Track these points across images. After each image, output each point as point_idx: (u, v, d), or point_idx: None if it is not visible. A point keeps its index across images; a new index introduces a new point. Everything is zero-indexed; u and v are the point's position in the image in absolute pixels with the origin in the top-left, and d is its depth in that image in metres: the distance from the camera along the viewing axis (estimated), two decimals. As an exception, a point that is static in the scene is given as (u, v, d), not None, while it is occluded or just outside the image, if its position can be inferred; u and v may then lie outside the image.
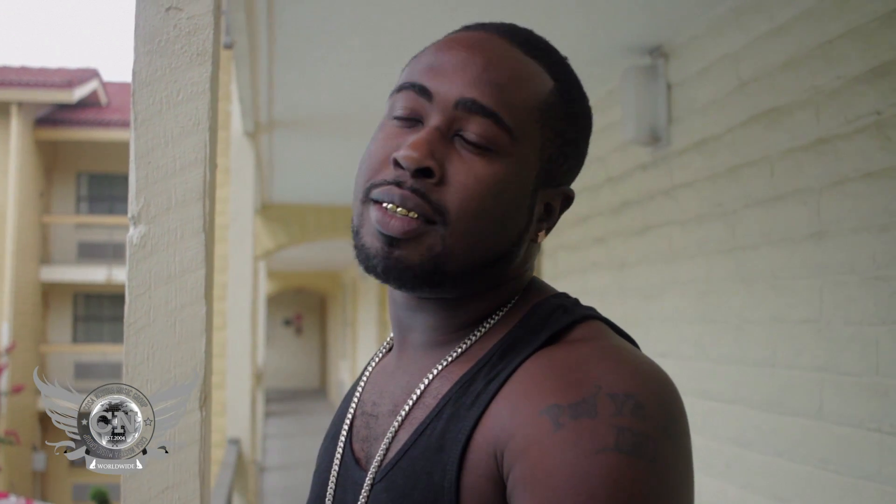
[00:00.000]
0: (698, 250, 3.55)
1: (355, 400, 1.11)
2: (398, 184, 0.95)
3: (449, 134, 0.96)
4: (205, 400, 1.55)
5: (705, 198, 3.50)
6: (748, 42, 3.20)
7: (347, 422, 1.09)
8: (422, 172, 0.94)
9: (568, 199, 1.06)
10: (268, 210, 10.10)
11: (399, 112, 0.99)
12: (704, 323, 3.50)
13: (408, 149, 0.94)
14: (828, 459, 2.70)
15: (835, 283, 2.70)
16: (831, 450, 2.69)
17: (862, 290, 2.58)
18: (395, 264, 0.95)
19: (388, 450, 0.97)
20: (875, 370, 2.52)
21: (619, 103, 4.11)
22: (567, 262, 5.15)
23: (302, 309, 30.51)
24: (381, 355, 1.15)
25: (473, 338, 1.00)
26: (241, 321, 6.57)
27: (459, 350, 1.00)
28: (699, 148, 3.56)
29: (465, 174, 0.95)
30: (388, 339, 1.16)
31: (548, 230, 1.05)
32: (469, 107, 0.95)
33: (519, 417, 0.87)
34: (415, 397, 0.98)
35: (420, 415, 0.97)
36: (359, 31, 3.81)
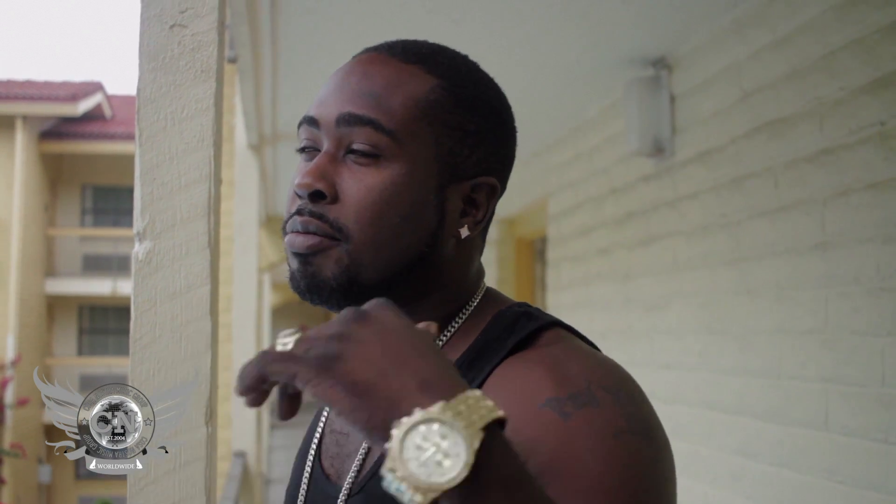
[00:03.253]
0: (702, 261, 3.55)
1: (323, 418, 1.13)
2: (299, 212, 1.00)
3: (340, 154, 1.00)
4: (211, 416, 1.55)
5: (709, 209, 3.50)
6: (751, 53, 3.20)
7: (316, 439, 1.11)
8: (315, 196, 0.99)
9: (493, 189, 1.05)
10: (272, 222, 10.11)
11: (301, 146, 1.05)
12: (709, 334, 3.50)
13: (300, 177, 1.00)
14: (833, 470, 2.69)
15: (840, 293, 2.70)
16: (837, 460, 2.68)
17: (867, 300, 2.58)
18: (312, 281, 1.00)
19: (362, 464, 0.99)
20: (881, 381, 2.52)
21: (623, 115, 4.11)
22: (570, 273, 5.15)
23: (306, 321, 30.48)
24: None
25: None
26: (245, 333, 6.58)
27: None
28: (703, 159, 3.56)
29: (356, 187, 0.98)
30: None
31: (478, 223, 1.04)
32: (348, 120, 0.99)
33: (516, 415, 0.86)
34: None
35: None
36: (361, 44, 3.79)
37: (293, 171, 1.07)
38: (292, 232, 1.01)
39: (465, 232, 1.03)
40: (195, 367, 1.55)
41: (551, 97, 4.53)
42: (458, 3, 3.32)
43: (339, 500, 0.99)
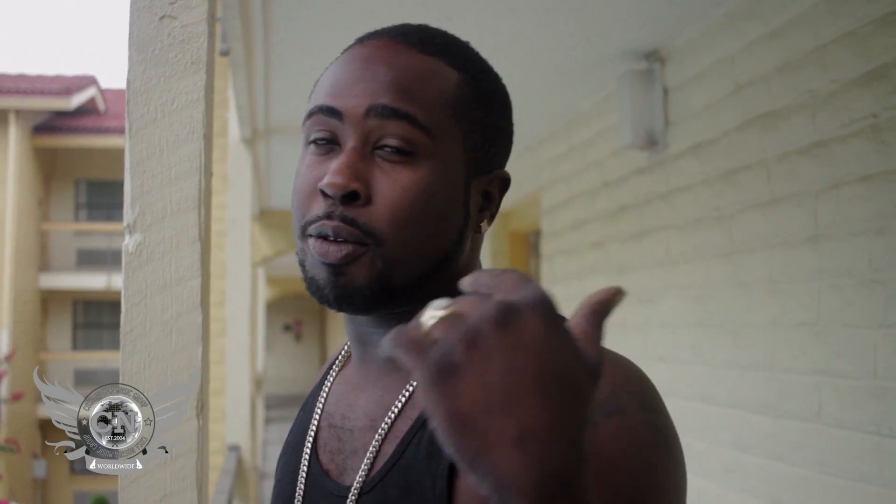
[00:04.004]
0: (696, 254, 3.55)
1: (318, 411, 1.10)
2: (328, 215, 0.94)
3: (367, 149, 0.95)
4: (202, 408, 1.55)
5: (702, 202, 3.50)
6: (743, 46, 3.20)
7: (311, 433, 1.08)
8: (349, 197, 0.94)
9: (505, 182, 1.04)
10: (266, 216, 10.09)
11: (314, 138, 0.99)
12: (702, 327, 3.50)
13: (331, 176, 0.94)
14: (826, 463, 2.70)
15: (832, 286, 2.70)
16: (830, 453, 2.69)
17: (859, 293, 2.58)
18: (343, 291, 0.95)
19: (373, 463, 0.97)
20: (873, 373, 2.52)
21: (616, 108, 4.11)
22: (564, 266, 5.15)
23: (301, 314, 30.48)
24: (339, 366, 1.14)
25: None
26: (240, 327, 6.57)
27: None
28: (696, 152, 3.56)
29: (390, 188, 0.94)
30: (345, 349, 1.15)
31: (491, 217, 1.04)
32: (381, 113, 0.94)
33: None
34: (396, 410, 0.98)
35: (404, 427, 0.96)
36: (354, 37, 3.80)
37: (298, 165, 1.02)
38: (320, 238, 0.95)
39: (485, 226, 1.02)
40: (186, 360, 1.55)
41: (544, 91, 4.53)
42: (450, -4, 3.32)
43: (349, 500, 0.97)
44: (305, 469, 1.06)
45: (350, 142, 0.96)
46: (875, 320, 2.52)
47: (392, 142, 0.94)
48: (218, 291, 6.95)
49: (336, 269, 0.95)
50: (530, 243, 8.04)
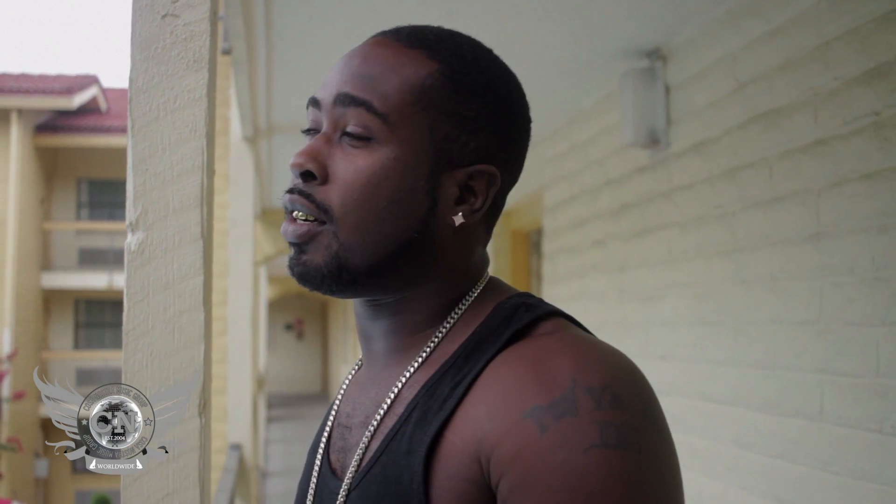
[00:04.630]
0: (697, 252, 3.55)
1: (333, 412, 1.12)
2: (290, 190, 1.01)
3: (336, 136, 1.01)
4: (204, 406, 1.55)
5: (704, 200, 3.50)
6: (745, 44, 3.20)
7: (326, 433, 1.10)
8: (306, 175, 1.00)
9: (493, 177, 1.03)
10: (268, 215, 10.10)
11: (306, 128, 1.06)
12: (704, 325, 3.50)
13: (293, 157, 1.00)
14: (828, 461, 2.70)
15: (834, 284, 2.70)
16: (832, 451, 2.68)
17: (861, 291, 2.58)
18: (304, 269, 1.01)
19: (361, 459, 0.98)
20: (875, 371, 2.52)
21: (618, 106, 4.11)
22: (566, 265, 5.15)
23: (303, 313, 30.51)
24: (356, 367, 1.16)
25: (436, 339, 1.01)
26: (241, 326, 6.57)
27: (424, 355, 1.01)
28: (698, 150, 3.56)
29: (345, 169, 0.98)
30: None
31: (475, 212, 1.02)
32: (343, 101, 1.00)
33: (501, 422, 0.87)
34: (385, 407, 0.99)
35: (390, 422, 0.98)
36: (356, 37, 3.80)
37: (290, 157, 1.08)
38: (287, 217, 1.02)
39: (458, 220, 1.01)
40: (188, 358, 1.55)
41: (546, 89, 4.53)
42: (452, -5, 3.32)
43: (339, 496, 0.98)
44: (318, 469, 1.08)
45: (323, 127, 1.03)
46: (877, 318, 2.51)
47: (351, 128, 0.99)
48: (220, 290, 6.96)
49: (298, 247, 1.01)
50: (532, 241, 8.05)
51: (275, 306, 26.25)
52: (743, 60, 3.23)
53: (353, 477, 0.98)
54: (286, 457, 14.34)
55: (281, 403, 24.79)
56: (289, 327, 30.44)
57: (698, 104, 3.57)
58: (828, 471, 2.70)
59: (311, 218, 0.99)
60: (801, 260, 2.86)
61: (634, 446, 0.84)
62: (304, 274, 1.01)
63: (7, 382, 13.33)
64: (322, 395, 28.60)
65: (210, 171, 1.61)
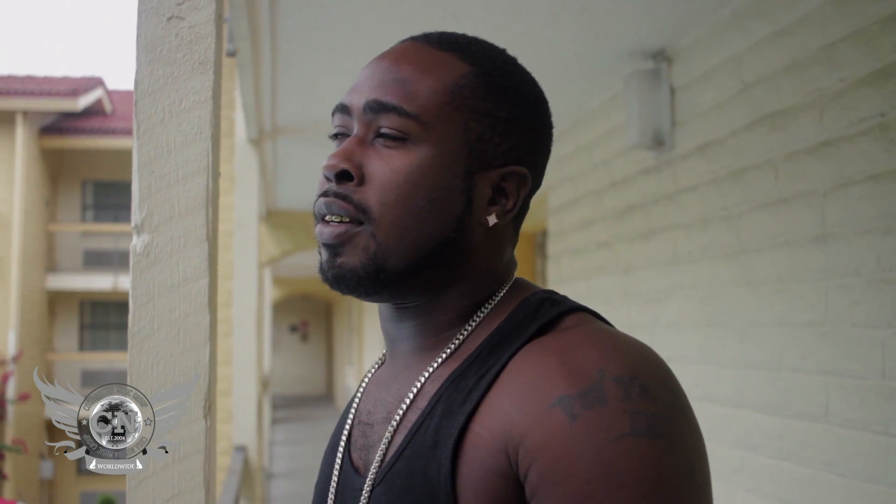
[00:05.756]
0: (703, 254, 3.55)
1: (353, 411, 1.12)
2: (325, 193, 1.01)
3: (369, 138, 1.01)
4: (209, 408, 1.55)
5: (709, 201, 3.49)
6: (751, 45, 3.20)
7: (345, 432, 1.10)
8: (341, 176, 0.99)
9: (524, 179, 1.04)
10: (272, 217, 10.10)
11: (333, 133, 1.06)
12: (709, 327, 3.50)
13: (327, 159, 1.00)
14: (834, 462, 2.69)
15: (840, 285, 2.69)
16: (837, 453, 2.68)
17: (867, 292, 2.58)
18: (339, 271, 1.00)
19: (385, 454, 0.98)
20: (881, 373, 2.51)
21: (623, 107, 4.11)
22: (571, 266, 5.15)
23: (308, 315, 30.52)
24: (376, 367, 1.16)
25: (461, 337, 1.01)
26: (246, 328, 6.57)
27: (448, 351, 1.01)
28: (703, 151, 3.56)
29: (382, 169, 0.98)
30: (384, 352, 1.17)
31: (507, 213, 1.03)
32: (374, 107, 1.00)
33: (529, 412, 0.87)
34: (408, 402, 0.99)
35: (413, 417, 0.98)
36: (361, 38, 3.81)
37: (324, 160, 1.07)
38: (320, 221, 1.01)
39: (492, 220, 1.02)
40: (194, 360, 1.55)
41: (551, 90, 4.49)
42: (457, -4, 3.32)
43: (363, 492, 0.98)
44: (338, 468, 1.08)
45: (354, 131, 1.02)
46: (883, 320, 2.51)
47: (385, 129, 0.99)
48: (225, 292, 6.96)
49: (333, 249, 1.00)
50: (537, 243, 8.05)
51: (279, 308, 26.27)
52: (748, 62, 3.23)
53: (376, 472, 0.97)
54: (291, 458, 14.34)
55: (286, 405, 24.79)
56: (293, 329, 30.46)
57: (704, 105, 3.56)
58: (833, 472, 2.69)
59: (348, 219, 0.99)
60: (806, 261, 2.85)
61: (665, 436, 0.85)
62: (340, 276, 1.00)
63: (12, 384, 13.35)
64: (327, 396, 28.60)
65: (215, 173, 1.61)
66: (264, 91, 4.91)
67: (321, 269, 1.02)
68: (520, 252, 8.08)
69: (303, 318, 30.47)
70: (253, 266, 6.62)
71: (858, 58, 2.62)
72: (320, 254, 1.03)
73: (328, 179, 1.00)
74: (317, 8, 3.50)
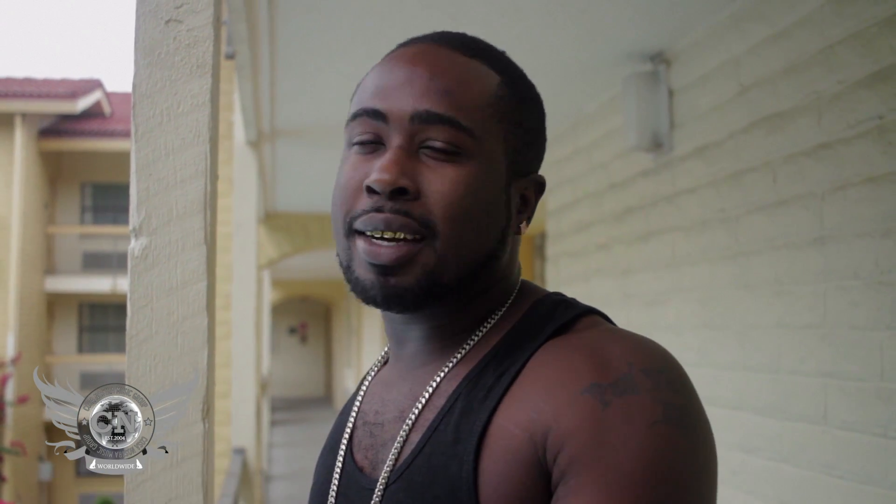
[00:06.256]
0: (701, 256, 3.55)
1: (354, 411, 1.11)
2: (378, 209, 0.96)
3: (413, 148, 0.97)
4: (207, 411, 1.55)
5: (708, 204, 3.50)
6: (749, 48, 3.20)
7: (347, 433, 1.09)
8: (397, 192, 0.95)
9: (540, 186, 1.06)
10: (271, 219, 10.10)
11: (359, 139, 1.00)
12: (708, 329, 3.50)
13: (378, 172, 0.95)
14: (833, 465, 2.69)
15: (838, 288, 2.69)
16: (836, 455, 2.68)
17: (865, 295, 2.58)
18: (393, 292, 0.96)
19: (400, 452, 0.98)
20: (880, 375, 2.51)
21: (621, 110, 4.11)
22: (570, 268, 5.15)
23: (307, 317, 30.51)
24: (377, 368, 1.16)
25: (475, 338, 1.02)
26: (245, 330, 6.57)
27: (463, 351, 1.01)
28: (701, 154, 3.56)
29: (439, 182, 0.96)
30: (384, 353, 1.17)
31: (528, 220, 1.05)
32: (425, 118, 0.96)
33: (558, 400, 0.88)
34: (423, 400, 0.99)
35: (430, 415, 0.98)
36: (359, 41, 3.81)
37: (341, 165, 1.02)
38: (365, 237, 0.96)
39: (524, 228, 1.04)
40: (192, 363, 1.55)
41: (550, 93, 4.51)
42: (455, -1, 3.32)
43: (376, 490, 0.97)
44: (340, 467, 1.07)
45: (395, 140, 0.97)
46: (881, 322, 2.51)
47: (437, 143, 0.96)
48: (223, 294, 6.96)
49: (387, 269, 0.96)
50: (535, 245, 8.05)
51: (278, 310, 26.26)
52: (746, 64, 3.23)
53: (391, 470, 0.97)
54: (290, 461, 14.33)
55: (284, 407, 24.78)
56: (292, 331, 30.45)
57: (702, 108, 3.56)
58: (832, 475, 2.69)
59: (409, 237, 0.95)
60: (805, 264, 2.85)
61: (693, 426, 0.88)
62: (392, 297, 0.97)
63: (11, 386, 13.33)
64: (326, 398, 28.59)
65: (213, 176, 1.61)
66: (263, 94, 4.91)
67: (363, 289, 0.98)
68: (519, 254, 8.13)
69: (302, 321, 30.46)
70: (252, 268, 6.62)
71: (856, 60, 2.62)
72: (354, 271, 0.99)
73: (373, 193, 0.96)
74: (315, 11, 3.50)
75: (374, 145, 0.99)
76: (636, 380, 0.88)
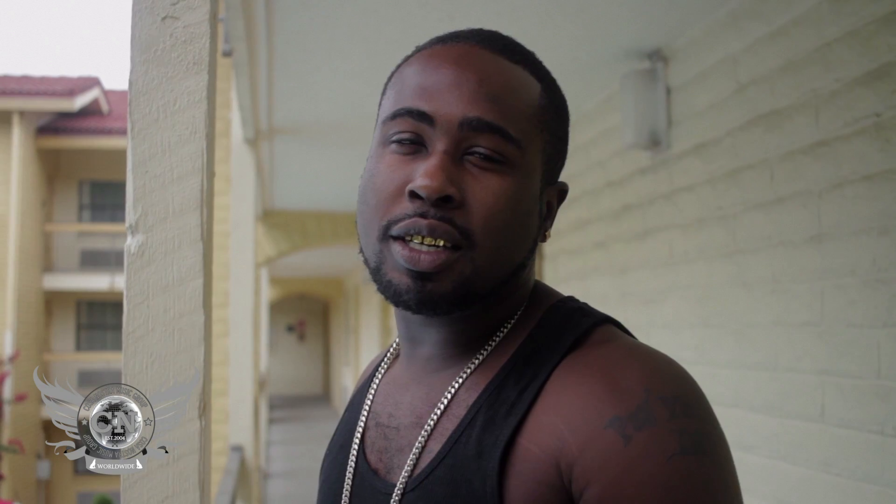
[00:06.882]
0: (699, 254, 3.55)
1: (365, 410, 1.10)
2: (422, 215, 0.94)
3: (458, 155, 0.96)
4: (204, 408, 1.55)
5: (705, 202, 3.50)
6: (746, 46, 3.20)
7: (359, 432, 1.08)
8: (442, 200, 0.94)
9: (563, 193, 1.07)
10: (269, 217, 10.09)
11: (398, 138, 0.98)
12: (705, 327, 3.50)
13: (423, 178, 0.94)
14: (829, 462, 2.69)
15: (835, 286, 2.70)
16: (833, 453, 2.68)
17: (863, 292, 2.58)
18: (429, 297, 0.95)
19: (418, 459, 0.97)
20: (876, 373, 2.52)
21: (619, 108, 4.11)
22: (568, 266, 5.15)
23: (305, 315, 30.50)
24: (386, 366, 1.15)
25: (491, 345, 1.01)
26: (243, 328, 6.56)
27: (480, 358, 1.01)
28: (699, 152, 3.56)
29: (482, 192, 0.95)
30: (392, 348, 1.16)
31: (550, 226, 1.06)
32: (475, 126, 0.95)
33: (582, 432, 0.89)
34: (441, 408, 0.99)
35: (450, 425, 0.97)
36: (357, 39, 3.81)
37: (375, 163, 1.00)
38: (413, 237, 0.95)
39: (549, 235, 1.05)
40: (188, 361, 1.54)
41: (547, 90, 4.52)
42: (453, -4, 3.32)
43: (393, 497, 0.97)
44: (353, 468, 1.06)
45: (440, 145, 0.96)
46: (878, 320, 2.51)
47: (484, 151, 0.95)
48: (221, 292, 6.96)
49: (425, 275, 0.95)
50: (533, 243, 8.03)
51: (276, 308, 26.25)
52: (744, 62, 3.23)
53: (409, 478, 0.97)
54: (287, 458, 14.34)
55: (282, 405, 24.78)
56: (290, 329, 30.44)
57: (699, 106, 3.56)
58: (829, 472, 2.69)
59: (450, 244, 0.94)
60: (802, 262, 2.86)
61: (708, 450, 0.89)
62: (426, 301, 0.96)
63: (9, 384, 13.33)
64: (323, 396, 28.60)
65: (210, 173, 1.61)
66: (260, 91, 4.91)
67: (395, 293, 0.96)
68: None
69: (300, 319, 30.46)
70: (249, 266, 6.61)
71: (854, 58, 2.62)
72: (386, 275, 0.97)
73: (417, 198, 0.94)
74: (312, 8, 3.50)
75: (414, 146, 0.97)
76: (653, 409, 0.88)
